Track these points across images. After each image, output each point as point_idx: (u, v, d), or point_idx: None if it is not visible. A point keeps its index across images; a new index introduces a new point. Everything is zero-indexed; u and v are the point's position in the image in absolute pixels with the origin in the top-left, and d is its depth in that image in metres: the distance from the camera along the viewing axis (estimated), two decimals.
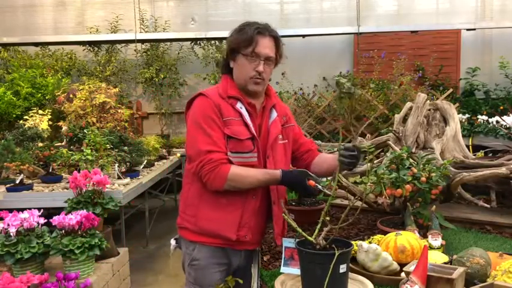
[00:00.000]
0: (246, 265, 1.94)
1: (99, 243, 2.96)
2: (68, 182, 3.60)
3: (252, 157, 1.80)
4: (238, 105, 1.81)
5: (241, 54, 1.79)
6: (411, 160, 2.44)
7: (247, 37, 1.77)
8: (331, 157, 2.03)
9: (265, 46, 1.79)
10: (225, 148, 1.76)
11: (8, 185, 4.10)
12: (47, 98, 6.27)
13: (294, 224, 1.62)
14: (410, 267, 1.63)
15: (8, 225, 2.82)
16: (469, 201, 2.85)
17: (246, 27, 1.80)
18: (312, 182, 1.75)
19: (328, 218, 1.61)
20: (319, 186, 1.75)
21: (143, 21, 8.16)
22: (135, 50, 8.02)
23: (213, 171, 1.72)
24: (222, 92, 1.82)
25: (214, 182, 1.73)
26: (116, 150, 4.60)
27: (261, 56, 1.78)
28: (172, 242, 2.01)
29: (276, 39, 1.83)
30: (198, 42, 7.86)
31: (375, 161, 3.50)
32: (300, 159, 2.10)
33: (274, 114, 1.91)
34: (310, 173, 1.79)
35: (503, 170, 2.57)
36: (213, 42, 7.79)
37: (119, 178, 4.33)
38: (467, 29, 7.70)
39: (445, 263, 1.79)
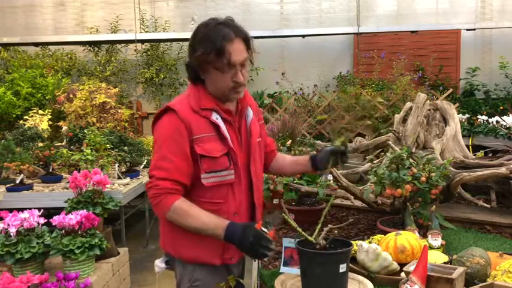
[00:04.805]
0: (242, 270, 1.89)
1: (99, 243, 2.96)
2: (68, 182, 3.60)
3: (228, 175, 1.63)
4: (214, 116, 1.61)
5: (213, 68, 1.57)
6: (411, 160, 2.45)
7: (215, 48, 1.53)
8: (302, 162, 1.89)
9: (238, 52, 1.56)
10: (183, 176, 1.58)
11: (8, 185, 4.10)
12: (47, 98, 6.27)
13: (294, 224, 1.62)
14: (410, 267, 1.63)
15: (8, 225, 2.82)
16: (469, 201, 2.85)
17: (210, 35, 1.55)
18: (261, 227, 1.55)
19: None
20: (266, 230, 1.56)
21: (143, 21, 8.16)
22: (135, 50, 8.02)
23: (157, 197, 1.57)
24: (194, 105, 1.61)
25: (157, 209, 1.60)
26: (116, 150, 4.60)
27: (237, 64, 1.57)
28: (161, 264, 1.76)
29: (246, 39, 1.61)
30: None
31: (375, 161, 3.50)
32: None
33: (251, 113, 1.76)
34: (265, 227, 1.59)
35: (503, 170, 2.57)
36: None
37: (119, 178, 4.33)
38: (467, 29, 7.70)
39: (445, 263, 1.80)
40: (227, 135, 1.63)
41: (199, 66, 1.61)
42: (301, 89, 7.39)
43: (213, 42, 1.53)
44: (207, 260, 1.65)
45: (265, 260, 2.16)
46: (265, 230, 1.55)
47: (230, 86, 1.60)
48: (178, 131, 1.57)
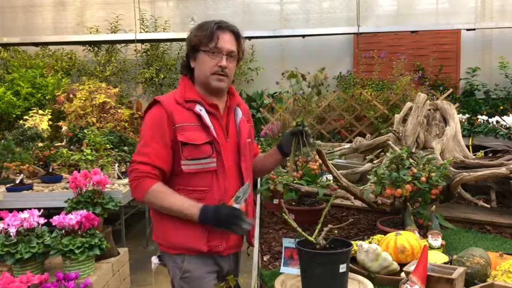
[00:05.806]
0: (234, 268, 1.90)
1: (99, 243, 2.96)
2: (68, 182, 3.60)
3: (211, 162, 1.70)
4: (197, 107, 1.71)
5: (203, 51, 1.72)
6: (411, 160, 2.44)
7: (207, 33, 1.70)
8: (271, 152, 1.98)
9: (226, 41, 1.73)
10: (162, 163, 1.67)
11: (8, 185, 4.10)
12: (47, 98, 6.28)
13: (294, 224, 1.62)
14: (410, 267, 1.63)
15: (8, 225, 2.82)
16: (469, 201, 2.85)
17: (206, 24, 1.74)
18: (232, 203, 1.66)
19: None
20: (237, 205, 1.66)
21: (143, 21, 8.16)
22: (135, 50, 8.02)
23: (135, 180, 1.67)
24: (178, 97, 1.73)
25: (135, 192, 1.68)
26: (116, 150, 4.61)
27: (223, 50, 1.71)
28: (155, 260, 1.86)
29: (237, 35, 1.77)
30: None
31: (375, 161, 3.51)
32: None
33: (240, 113, 1.85)
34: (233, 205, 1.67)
35: (503, 170, 2.56)
36: None
37: (119, 178, 4.33)
38: (467, 29, 7.70)
39: (445, 263, 1.79)
40: (210, 124, 1.71)
41: (192, 51, 1.75)
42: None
43: (207, 28, 1.72)
44: (194, 245, 1.71)
45: (265, 260, 2.16)
46: (236, 205, 1.66)
47: (214, 70, 1.72)
48: (161, 120, 1.68)
